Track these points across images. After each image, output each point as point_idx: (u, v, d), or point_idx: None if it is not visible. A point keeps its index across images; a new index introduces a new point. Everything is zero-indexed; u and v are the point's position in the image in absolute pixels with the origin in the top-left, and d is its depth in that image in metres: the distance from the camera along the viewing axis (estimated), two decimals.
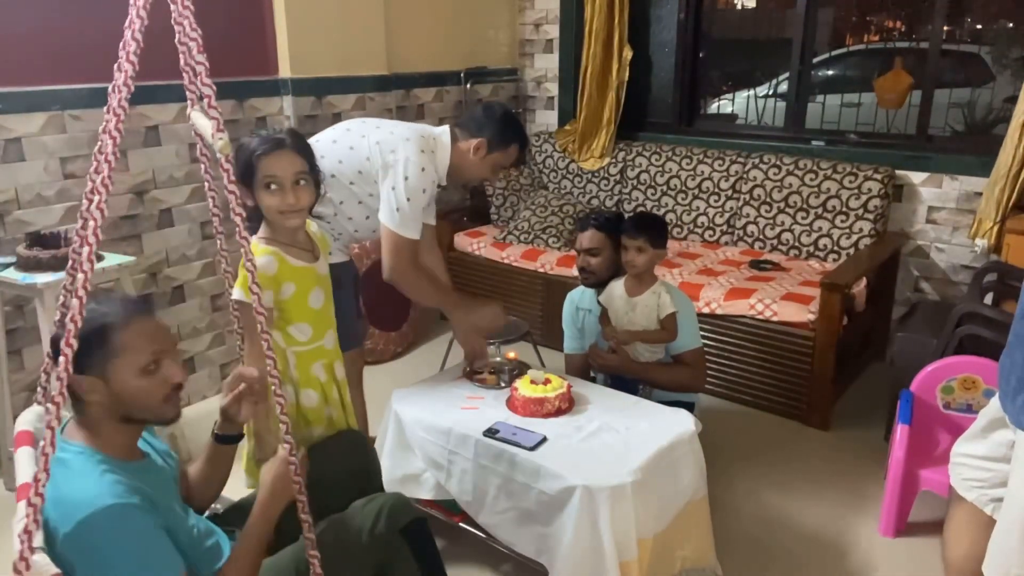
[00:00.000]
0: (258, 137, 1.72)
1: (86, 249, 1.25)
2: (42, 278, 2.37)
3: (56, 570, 1.17)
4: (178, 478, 1.54)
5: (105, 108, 1.32)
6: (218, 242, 1.73)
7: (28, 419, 1.50)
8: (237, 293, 1.68)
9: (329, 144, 2.26)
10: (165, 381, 1.34)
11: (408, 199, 2.15)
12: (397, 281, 2.26)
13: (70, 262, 1.45)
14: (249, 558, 1.43)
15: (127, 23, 1.29)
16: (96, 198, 1.28)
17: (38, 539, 1.19)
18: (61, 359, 1.18)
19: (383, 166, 2.17)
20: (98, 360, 1.27)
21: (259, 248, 1.71)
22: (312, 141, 2.31)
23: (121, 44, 1.30)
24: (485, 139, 2.29)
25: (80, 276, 1.23)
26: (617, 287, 2.44)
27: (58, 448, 1.28)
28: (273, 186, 1.68)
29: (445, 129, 2.33)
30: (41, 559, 1.18)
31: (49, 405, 1.18)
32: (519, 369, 2.35)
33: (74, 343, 1.18)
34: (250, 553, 1.43)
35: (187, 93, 1.49)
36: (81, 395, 1.29)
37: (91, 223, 1.26)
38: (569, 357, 2.70)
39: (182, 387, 1.39)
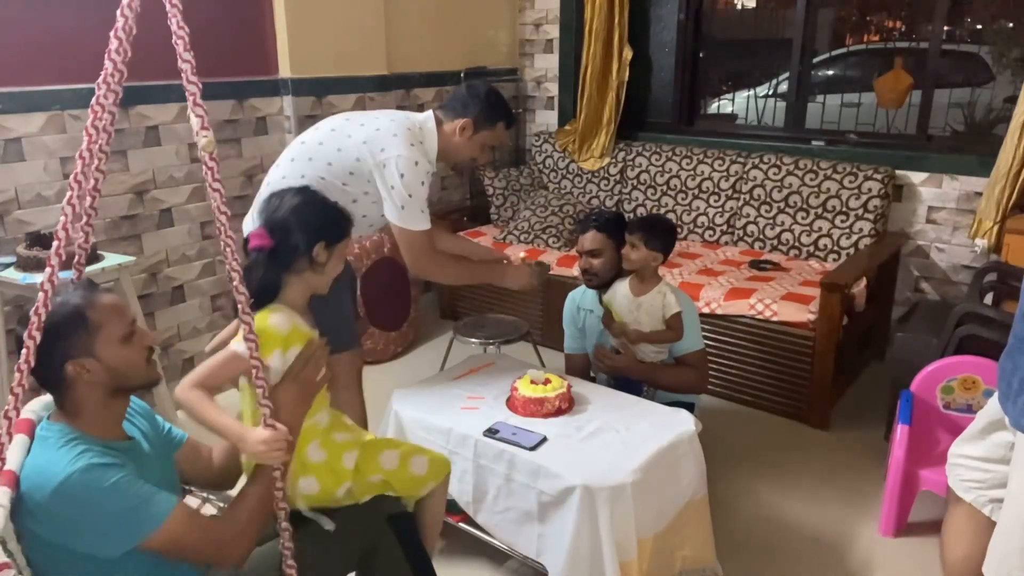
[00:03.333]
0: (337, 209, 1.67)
1: (55, 244, 1.28)
2: (42, 278, 2.37)
3: (3, 559, 1.18)
4: (176, 459, 1.59)
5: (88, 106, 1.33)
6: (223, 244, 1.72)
7: (32, 408, 1.51)
8: (239, 347, 1.46)
9: (316, 146, 2.22)
10: (143, 345, 1.42)
11: (410, 195, 2.15)
12: (423, 274, 2.31)
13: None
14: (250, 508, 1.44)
15: (122, 23, 1.29)
16: (68, 193, 1.30)
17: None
18: (23, 351, 1.22)
19: (375, 165, 2.15)
20: (83, 341, 1.33)
21: (270, 307, 1.56)
22: (297, 143, 2.27)
23: (111, 40, 1.30)
24: (471, 119, 2.27)
25: (47, 271, 1.26)
26: (622, 287, 2.44)
27: (42, 428, 1.35)
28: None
29: (429, 115, 2.31)
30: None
31: (8, 396, 1.20)
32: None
33: (37, 335, 1.22)
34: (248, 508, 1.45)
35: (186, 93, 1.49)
36: (74, 379, 1.33)
37: (61, 219, 1.27)
38: (569, 357, 2.69)
39: (154, 350, 1.47)
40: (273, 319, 1.53)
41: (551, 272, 3.68)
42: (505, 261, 2.56)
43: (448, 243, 2.58)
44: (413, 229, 2.19)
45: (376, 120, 2.24)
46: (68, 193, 1.31)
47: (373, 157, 2.15)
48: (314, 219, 1.61)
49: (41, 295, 1.24)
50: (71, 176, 1.32)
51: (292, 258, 1.58)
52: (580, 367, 2.65)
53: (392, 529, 1.63)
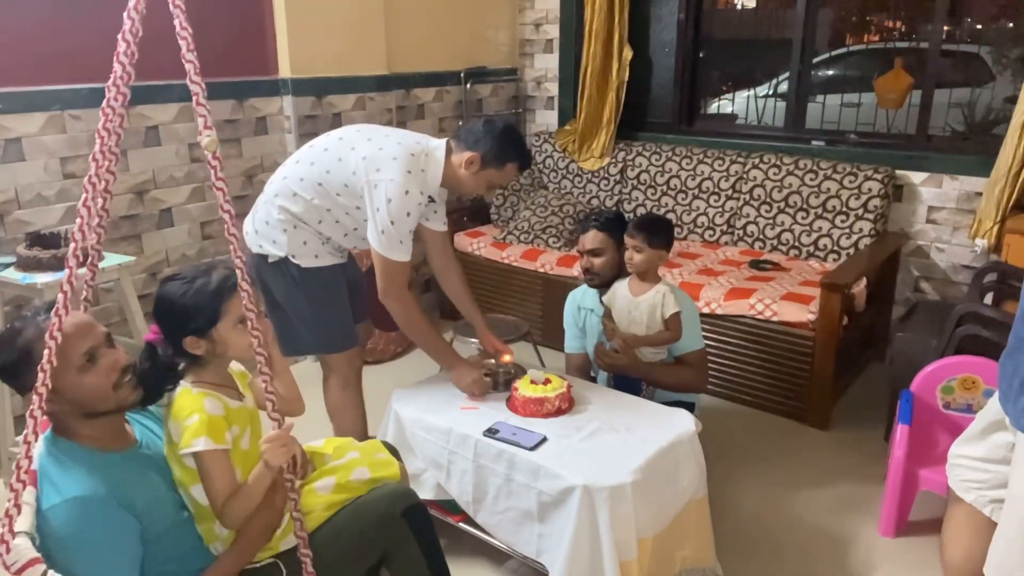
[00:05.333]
0: (203, 278, 1.48)
1: (72, 245, 1.29)
2: (42, 278, 2.37)
3: (35, 554, 1.20)
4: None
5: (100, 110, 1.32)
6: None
7: None
8: (201, 443, 1.42)
9: (320, 152, 2.23)
10: (109, 370, 1.37)
11: (392, 222, 2.11)
12: (388, 305, 2.24)
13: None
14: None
15: (130, 26, 1.29)
16: (84, 195, 1.30)
17: (22, 523, 1.22)
18: (45, 351, 1.22)
19: (367, 183, 2.12)
20: (34, 375, 1.28)
21: (193, 393, 1.48)
22: (307, 147, 2.28)
23: (118, 42, 1.30)
24: (479, 154, 2.19)
25: (65, 272, 1.27)
26: (621, 287, 2.44)
27: (51, 444, 1.36)
28: (243, 322, 1.46)
29: (441, 143, 2.26)
30: (23, 542, 1.21)
31: (34, 395, 1.23)
32: (515, 374, 2.34)
33: (58, 336, 1.23)
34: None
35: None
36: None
37: (78, 220, 1.28)
38: (570, 356, 2.69)
39: (131, 367, 1.41)
40: (208, 404, 1.46)
41: (552, 271, 3.71)
42: (484, 359, 2.44)
43: (453, 284, 2.51)
44: (388, 257, 2.15)
45: (385, 139, 2.20)
46: (83, 195, 1.30)
47: (367, 175, 2.12)
48: (168, 318, 1.48)
49: (60, 296, 1.25)
50: (85, 178, 1.31)
51: (180, 354, 1.50)
52: (581, 367, 2.65)
53: (408, 523, 1.67)
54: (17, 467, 1.20)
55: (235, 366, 1.63)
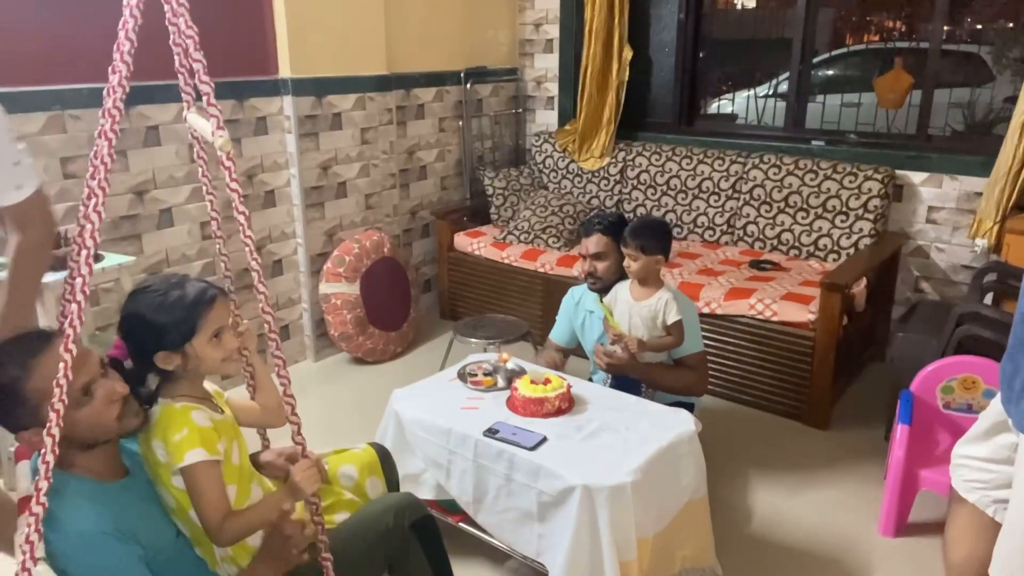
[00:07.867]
0: (178, 290, 1.42)
1: (84, 253, 1.25)
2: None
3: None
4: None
5: (101, 112, 1.30)
6: (218, 245, 1.71)
7: None
8: (197, 455, 1.37)
9: None
10: (107, 401, 1.31)
11: None
12: None
13: (69, 268, 1.43)
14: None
15: (121, 23, 1.28)
16: (93, 200, 1.27)
17: (40, 550, 1.19)
18: (61, 365, 1.18)
19: None
20: (24, 416, 1.24)
21: (177, 407, 1.42)
22: None
23: (116, 45, 1.29)
24: None
25: (78, 280, 1.23)
26: (623, 291, 2.43)
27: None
28: (217, 336, 1.45)
29: None
30: (44, 570, 1.19)
31: (51, 412, 1.19)
32: (514, 373, 2.34)
33: (73, 348, 1.19)
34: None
35: (182, 95, 1.48)
36: (36, 447, 1.26)
37: (88, 226, 1.25)
38: (550, 341, 2.73)
39: (130, 395, 1.37)
40: (195, 416, 1.42)
41: (552, 271, 3.71)
42: None
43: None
44: None
45: None
46: (93, 201, 1.26)
47: None
48: (140, 333, 1.42)
49: (75, 307, 1.21)
50: (95, 183, 1.26)
51: (149, 370, 1.44)
52: (555, 354, 2.68)
53: (416, 535, 1.68)
54: (37, 489, 1.16)
55: (209, 386, 1.57)
